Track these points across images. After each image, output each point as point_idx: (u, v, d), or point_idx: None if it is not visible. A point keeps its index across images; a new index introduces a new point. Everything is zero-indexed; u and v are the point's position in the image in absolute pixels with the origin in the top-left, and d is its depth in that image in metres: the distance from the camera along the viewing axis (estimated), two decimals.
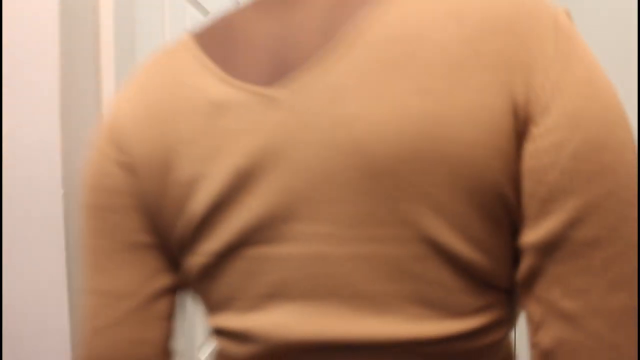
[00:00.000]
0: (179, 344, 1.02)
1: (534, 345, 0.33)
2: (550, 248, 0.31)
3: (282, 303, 0.36)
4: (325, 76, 0.34)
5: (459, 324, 0.34)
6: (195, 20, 1.19)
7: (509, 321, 0.36)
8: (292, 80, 0.35)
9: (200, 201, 0.37)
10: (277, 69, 0.36)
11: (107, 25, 0.72)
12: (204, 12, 1.27)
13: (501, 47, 0.31)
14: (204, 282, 0.40)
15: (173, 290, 0.43)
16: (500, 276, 0.34)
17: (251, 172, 0.36)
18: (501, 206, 0.32)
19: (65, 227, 0.64)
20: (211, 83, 0.38)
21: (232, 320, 0.39)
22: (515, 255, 0.33)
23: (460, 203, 0.32)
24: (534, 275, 0.32)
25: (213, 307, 0.41)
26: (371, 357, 0.35)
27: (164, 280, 0.43)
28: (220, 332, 0.40)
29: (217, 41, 0.41)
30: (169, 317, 0.44)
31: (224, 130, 0.36)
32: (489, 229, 0.33)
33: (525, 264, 0.32)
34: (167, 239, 0.41)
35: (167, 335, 0.45)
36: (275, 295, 0.36)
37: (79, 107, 0.67)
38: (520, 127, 0.31)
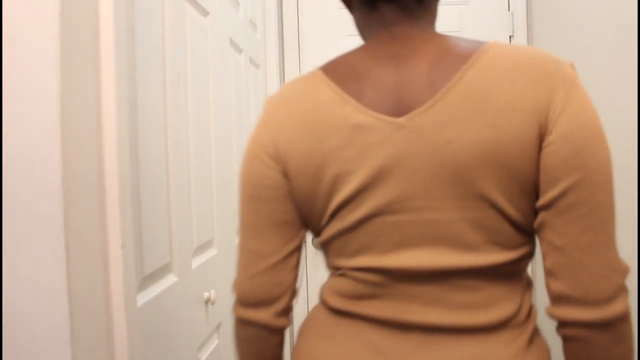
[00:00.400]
0: (179, 344, 1.02)
1: (545, 271, 0.59)
2: (549, 208, 0.57)
3: (405, 249, 0.61)
4: (432, 113, 0.58)
5: (512, 254, 0.60)
6: (195, 20, 1.19)
7: (531, 253, 0.63)
8: (410, 114, 0.59)
9: (349, 187, 0.61)
10: (398, 105, 0.60)
11: (107, 25, 0.72)
12: (204, 12, 1.27)
13: (534, 97, 0.56)
14: (345, 238, 0.64)
15: (299, 249, 0.69)
16: (529, 226, 0.61)
17: (384, 169, 0.59)
18: (531, 187, 0.58)
19: (65, 227, 0.64)
20: (352, 111, 0.60)
21: (369, 261, 0.62)
22: (536, 213, 0.60)
23: (511, 186, 0.58)
24: (542, 225, 0.59)
25: (351, 254, 0.64)
26: (467, 277, 0.60)
27: (294, 243, 0.68)
28: (357, 269, 0.64)
29: (348, 80, 0.63)
30: (297, 267, 0.69)
31: (365, 143, 0.60)
32: (524, 200, 0.59)
33: (538, 218, 0.59)
34: (308, 214, 0.66)
35: (295, 279, 0.70)
36: (401, 245, 0.61)
37: (79, 107, 0.67)
38: (541, 143, 0.57)
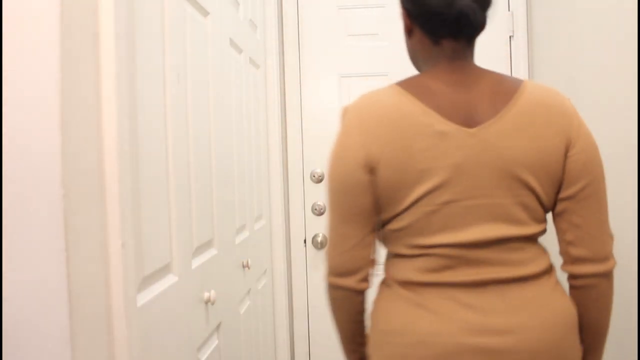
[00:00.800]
0: (179, 344, 1.02)
1: (562, 240, 0.88)
2: (572, 198, 0.86)
3: (474, 226, 0.83)
4: (495, 128, 0.83)
5: (542, 226, 0.88)
6: (195, 20, 1.19)
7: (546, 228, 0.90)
8: (479, 127, 0.83)
9: (434, 180, 0.82)
10: (469, 120, 0.83)
11: (107, 25, 0.72)
12: (204, 12, 1.27)
13: (560, 122, 0.85)
14: (427, 220, 0.84)
15: (374, 230, 0.90)
16: (550, 208, 0.89)
17: (460, 166, 0.82)
18: (558, 182, 0.86)
19: (65, 227, 0.64)
20: (435, 121, 0.82)
21: (448, 238, 0.84)
22: (555, 202, 0.88)
23: (546, 180, 0.84)
24: (564, 210, 0.87)
25: (432, 233, 0.84)
26: (517, 242, 0.85)
27: (370, 226, 0.88)
28: (438, 246, 0.84)
29: (426, 96, 0.85)
30: (374, 244, 0.90)
31: (446, 146, 0.82)
32: (552, 190, 0.86)
33: (560, 205, 0.87)
34: (388, 202, 0.85)
35: (373, 253, 0.90)
36: (471, 223, 0.83)
37: (79, 107, 0.67)
38: (567, 153, 0.85)
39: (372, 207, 0.86)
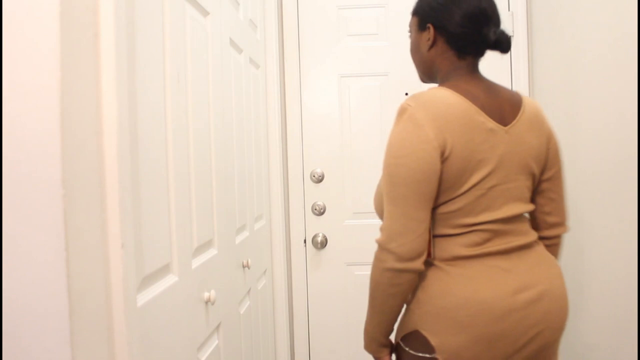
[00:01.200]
0: (179, 344, 1.02)
1: (541, 212, 1.18)
2: (550, 179, 1.16)
3: (506, 205, 1.05)
4: (517, 126, 1.07)
5: (533, 205, 1.15)
6: (195, 20, 1.19)
7: None
8: (509, 126, 1.05)
9: (487, 168, 1.01)
10: (501, 119, 1.05)
11: (107, 25, 0.72)
12: (204, 12, 1.27)
13: (545, 126, 1.14)
14: (477, 202, 1.02)
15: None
16: (534, 189, 1.17)
17: (502, 156, 1.03)
18: (544, 167, 1.14)
19: (65, 228, 0.64)
20: (485, 120, 1.02)
21: (490, 216, 1.03)
22: (539, 181, 1.16)
23: (539, 167, 1.12)
24: (544, 189, 1.17)
25: (478, 212, 1.03)
26: (524, 216, 1.11)
27: (430, 211, 1.02)
28: (482, 223, 1.03)
29: (471, 99, 1.03)
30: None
31: (494, 140, 1.02)
32: (539, 174, 1.14)
33: (541, 185, 1.16)
34: (450, 187, 1.01)
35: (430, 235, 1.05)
36: (504, 202, 1.05)
37: (79, 106, 0.67)
38: (548, 146, 1.14)
39: (437, 192, 1.01)
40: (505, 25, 2.15)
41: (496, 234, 1.04)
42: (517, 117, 1.06)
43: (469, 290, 1.00)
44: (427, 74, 1.16)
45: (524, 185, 1.07)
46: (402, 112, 1.01)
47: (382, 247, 1.00)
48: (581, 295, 1.72)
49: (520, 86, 2.14)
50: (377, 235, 1.97)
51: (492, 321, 0.99)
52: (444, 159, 0.99)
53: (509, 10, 2.15)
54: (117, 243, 0.73)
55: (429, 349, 1.02)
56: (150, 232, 0.91)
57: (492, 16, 1.06)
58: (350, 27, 2.21)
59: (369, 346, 1.14)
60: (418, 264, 1.00)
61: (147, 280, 0.90)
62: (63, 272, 0.64)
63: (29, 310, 0.64)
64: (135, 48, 0.87)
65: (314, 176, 2.21)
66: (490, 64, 2.16)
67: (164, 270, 0.98)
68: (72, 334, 0.64)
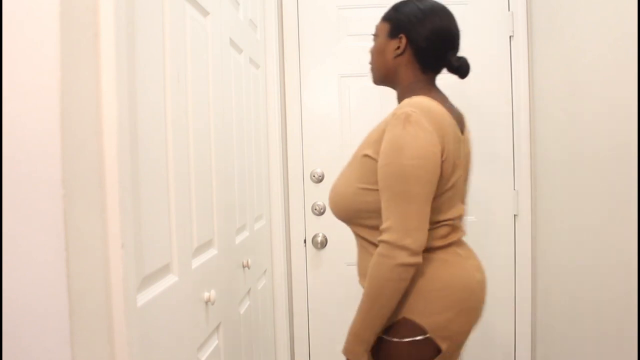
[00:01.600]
0: (179, 344, 1.02)
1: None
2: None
3: (457, 206, 1.20)
4: (466, 136, 1.24)
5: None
6: (195, 20, 1.19)
7: None
8: (464, 134, 1.22)
9: (459, 171, 1.15)
10: (461, 129, 1.19)
11: (107, 25, 0.72)
12: (204, 12, 1.27)
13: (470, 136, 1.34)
14: (450, 199, 1.15)
15: None
16: None
17: (463, 162, 1.18)
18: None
19: (65, 228, 0.64)
20: (456, 128, 1.15)
21: (455, 212, 1.18)
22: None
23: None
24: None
25: (447, 209, 1.16)
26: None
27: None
28: (451, 219, 1.17)
29: (445, 108, 1.13)
30: None
31: (462, 146, 1.18)
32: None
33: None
34: (441, 186, 1.11)
35: None
36: (457, 203, 1.20)
37: (79, 106, 0.67)
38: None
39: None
40: (505, 25, 2.15)
41: (453, 228, 1.18)
42: (466, 127, 1.23)
43: (448, 273, 1.13)
44: (385, 78, 1.25)
45: (465, 188, 1.25)
46: (407, 117, 1.06)
47: (394, 245, 1.04)
48: (581, 294, 1.72)
49: (520, 86, 2.14)
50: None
51: (469, 296, 1.14)
52: (441, 162, 1.09)
53: (509, 10, 2.15)
54: (117, 243, 0.73)
55: (420, 331, 1.09)
56: (150, 232, 0.91)
57: (457, 43, 1.19)
58: (350, 27, 2.21)
59: (353, 350, 1.09)
60: (421, 257, 1.07)
61: (147, 280, 0.90)
62: (63, 272, 0.64)
63: (29, 310, 0.64)
64: (135, 48, 0.87)
65: (314, 176, 2.21)
66: (491, 64, 2.16)
67: (164, 270, 0.98)
68: (72, 334, 0.64)
